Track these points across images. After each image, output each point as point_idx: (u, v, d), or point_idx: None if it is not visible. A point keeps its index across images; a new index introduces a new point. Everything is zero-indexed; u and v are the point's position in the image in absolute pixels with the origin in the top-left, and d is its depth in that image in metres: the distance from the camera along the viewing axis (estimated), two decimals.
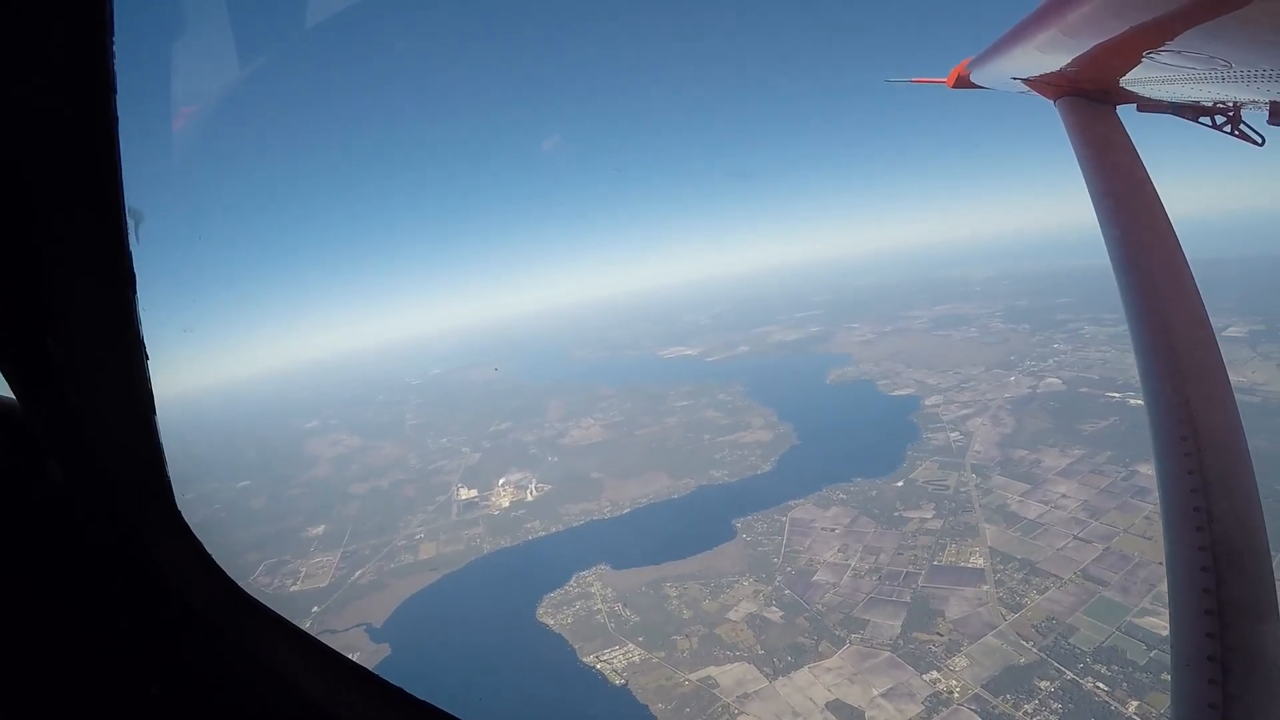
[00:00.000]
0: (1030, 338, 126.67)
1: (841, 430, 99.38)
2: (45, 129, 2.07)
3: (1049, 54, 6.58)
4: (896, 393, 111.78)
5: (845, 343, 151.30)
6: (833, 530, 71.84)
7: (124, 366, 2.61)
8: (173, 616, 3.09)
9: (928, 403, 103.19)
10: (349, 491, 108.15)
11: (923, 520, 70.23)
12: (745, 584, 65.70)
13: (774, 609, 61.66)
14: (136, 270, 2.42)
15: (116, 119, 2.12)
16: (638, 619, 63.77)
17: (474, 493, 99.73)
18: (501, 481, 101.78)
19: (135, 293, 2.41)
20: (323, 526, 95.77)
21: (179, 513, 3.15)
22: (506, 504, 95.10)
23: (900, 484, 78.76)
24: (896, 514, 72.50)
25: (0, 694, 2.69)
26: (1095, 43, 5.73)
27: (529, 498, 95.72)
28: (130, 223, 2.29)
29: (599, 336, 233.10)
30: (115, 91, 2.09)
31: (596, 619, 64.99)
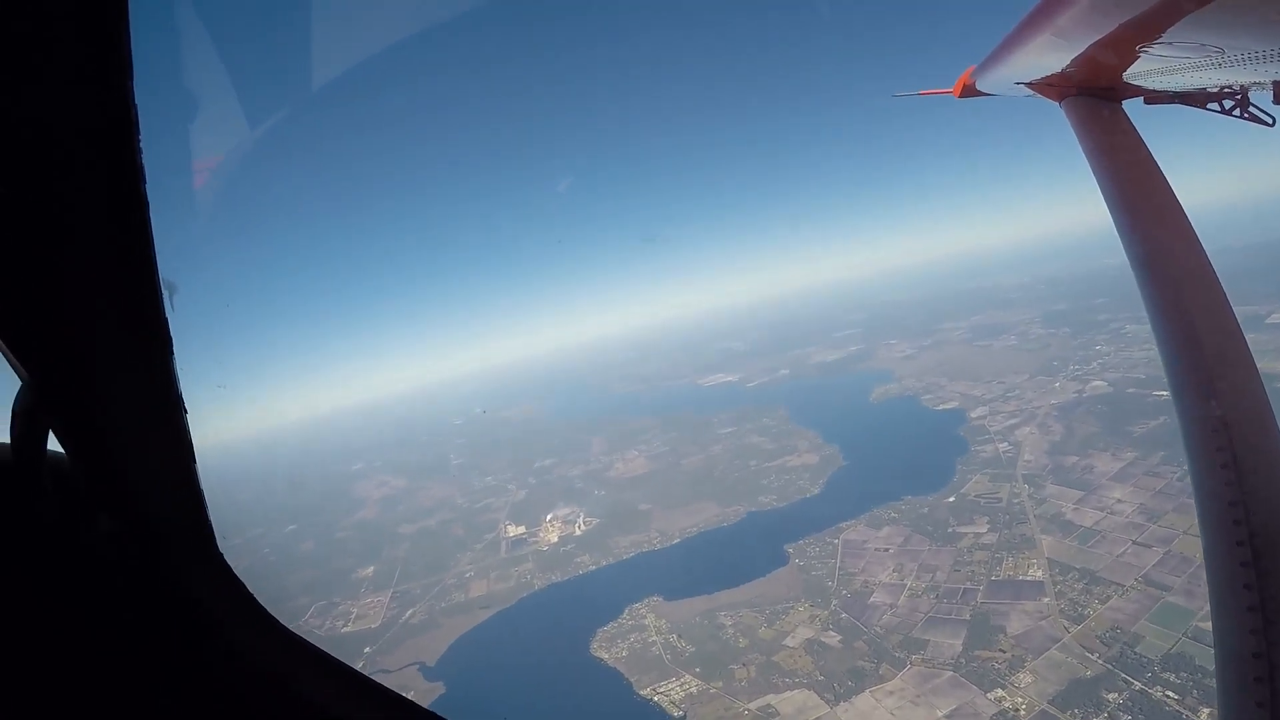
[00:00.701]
0: (1071, 341, 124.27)
1: (889, 448, 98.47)
2: (87, 220, 2.30)
3: (1047, 57, 6.55)
4: (941, 407, 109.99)
5: (886, 359, 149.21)
6: (886, 550, 71.05)
7: (165, 422, 2.82)
8: (215, 654, 3.22)
9: (973, 415, 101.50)
10: (397, 532, 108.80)
11: (977, 535, 69.17)
12: (801, 609, 65.02)
13: (831, 633, 60.98)
14: (173, 334, 2.65)
15: (147, 202, 2.35)
16: (693, 649, 63.34)
17: (522, 529, 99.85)
18: (549, 517, 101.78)
19: (173, 355, 2.65)
20: (372, 568, 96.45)
21: (220, 555, 3.29)
22: (555, 539, 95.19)
23: (952, 499, 77.58)
24: (950, 530, 71.45)
25: None
26: (1089, 42, 5.71)
27: (577, 532, 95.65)
28: (165, 294, 2.52)
29: (635, 370, 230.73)
30: (145, 181, 2.32)
31: (652, 651, 64.70)
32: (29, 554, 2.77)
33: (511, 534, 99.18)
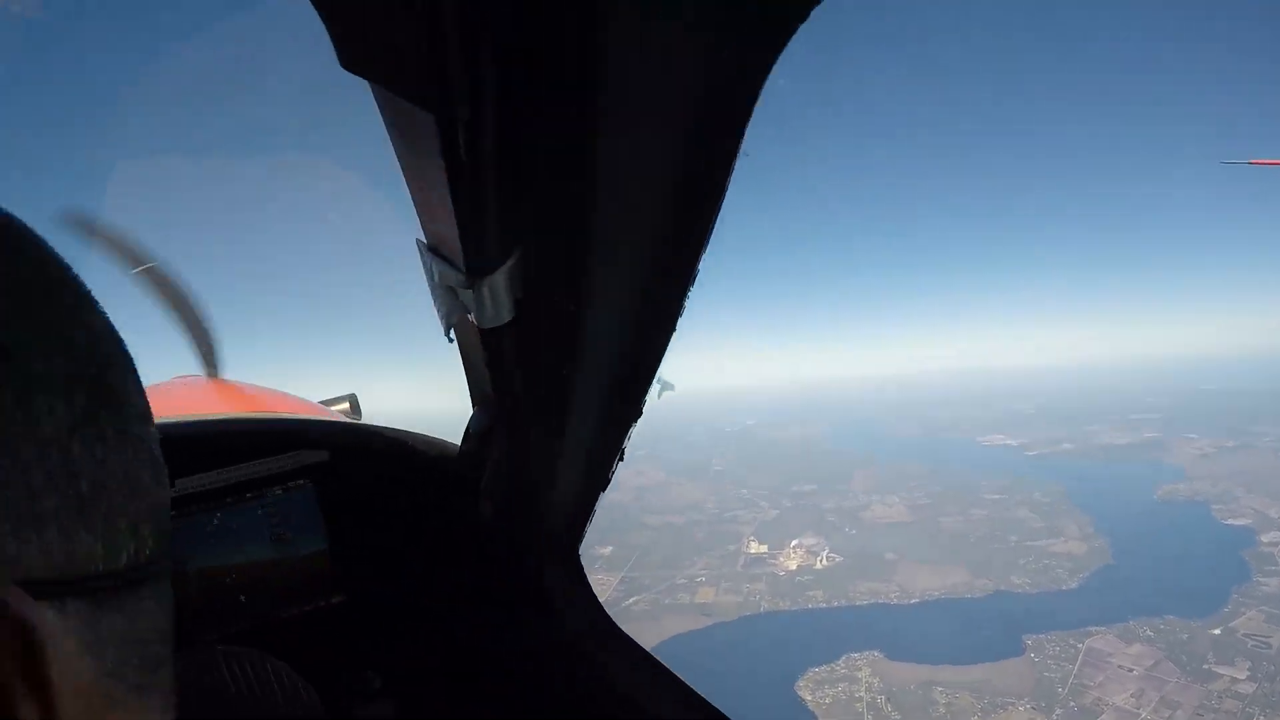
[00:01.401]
0: None
1: (1163, 556, 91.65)
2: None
3: None
4: (1230, 521, 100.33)
5: (1180, 454, 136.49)
6: (1131, 670, 67.18)
7: (599, 465, 2.78)
8: (561, 649, 3.36)
9: (1264, 539, 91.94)
10: (642, 521, 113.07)
11: (1234, 680, 64.07)
12: (1021, 708, 63.26)
13: None
14: None
15: None
16: (898, 717, 63.18)
17: (764, 548, 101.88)
18: (794, 543, 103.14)
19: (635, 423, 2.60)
20: (610, 548, 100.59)
21: (578, 558, 3.37)
22: (794, 566, 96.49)
23: (1217, 631, 71.70)
24: (1206, 667, 66.42)
25: (426, 689, 3.34)
26: None
27: (818, 565, 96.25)
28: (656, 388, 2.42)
29: (919, 412, 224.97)
30: None
31: (856, 706, 65.06)
32: (447, 533, 3.40)
33: (752, 550, 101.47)
